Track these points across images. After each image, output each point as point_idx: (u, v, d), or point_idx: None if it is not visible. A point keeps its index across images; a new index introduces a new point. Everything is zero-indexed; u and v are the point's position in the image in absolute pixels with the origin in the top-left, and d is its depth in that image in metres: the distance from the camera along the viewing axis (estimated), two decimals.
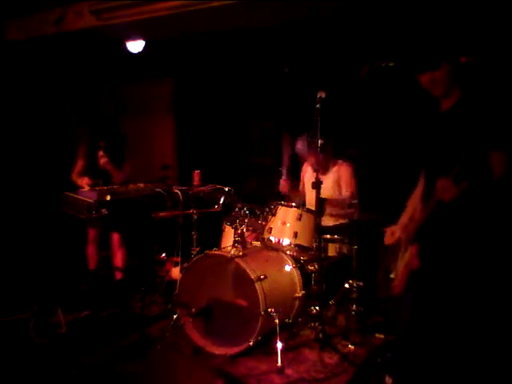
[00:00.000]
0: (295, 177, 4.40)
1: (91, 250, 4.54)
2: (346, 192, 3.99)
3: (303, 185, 4.36)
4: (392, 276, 2.55)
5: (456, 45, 2.31)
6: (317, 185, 3.39)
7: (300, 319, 3.61)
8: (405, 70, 2.43)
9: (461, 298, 2.19)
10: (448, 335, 2.23)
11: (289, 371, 3.09)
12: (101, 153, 4.34)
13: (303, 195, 4.32)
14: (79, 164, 4.49)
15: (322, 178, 3.92)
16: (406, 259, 2.38)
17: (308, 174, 4.24)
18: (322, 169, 3.95)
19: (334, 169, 4.09)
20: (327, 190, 4.00)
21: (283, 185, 4.16)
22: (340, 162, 4.12)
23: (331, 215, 3.90)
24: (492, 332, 2.28)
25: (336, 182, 4.06)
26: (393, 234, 2.51)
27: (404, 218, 2.53)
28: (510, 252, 2.25)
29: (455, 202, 2.10)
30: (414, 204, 2.51)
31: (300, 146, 4.11)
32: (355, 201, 3.76)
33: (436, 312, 2.24)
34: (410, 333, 2.36)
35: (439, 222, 2.20)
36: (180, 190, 3.99)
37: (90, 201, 3.63)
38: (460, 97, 2.25)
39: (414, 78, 2.30)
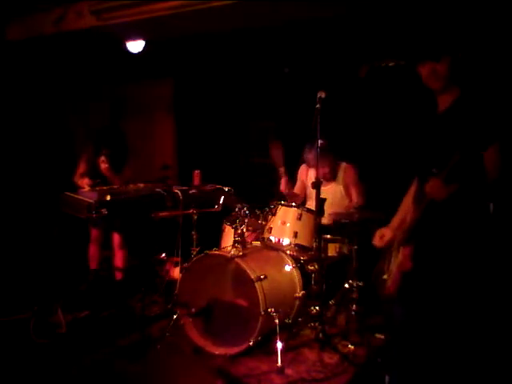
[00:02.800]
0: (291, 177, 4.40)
1: (93, 250, 4.53)
2: (356, 199, 3.99)
3: (302, 185, 4.34)
4: (385, 277, 2.53)
5: (459, 40, 2.30)
6: (317, 185, 3.39)
7: (300, 319, 3.61)
8: (407, 61, 2.41)
9: (455, 300, 2.18)
10: (443, 337, 2.22)
11: (289, 371, 3.09)
12: (102, 158, 4.35)
13: (301, 196, 4.31)
14: (81, 167, 4.48)
15: (328, 186, 3.94)
16: (398, 261, 2.36)
17: (309, 176, 4.21)
18: (330, 178, 3.97)
19: (339, 173, 4.09)
20: (336, 199, 4.02)
21: (284, 184, 4.15)
22: (343, 164, 4.11)
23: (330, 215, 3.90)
24: (486, 332, 2.28)
25: (344, 187, 4.07)
26: (383, 236, 2.47)
27: (396, 220, 2.50)
28: (503, 251, 2.25)
29: (447, 203, 2.09)
30: (406, 205, 2.49)
31: (309, 156, 4.09)
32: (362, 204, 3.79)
33: (430, 313, 2.23)
34: (404, 336, 2.35)
35: (431, 223, 2.19)
36: (180, 190, 3.99)
37: (90, 201, 3.63)
38: (458, 96, 2.24)
39: (414, 74, 2.29)
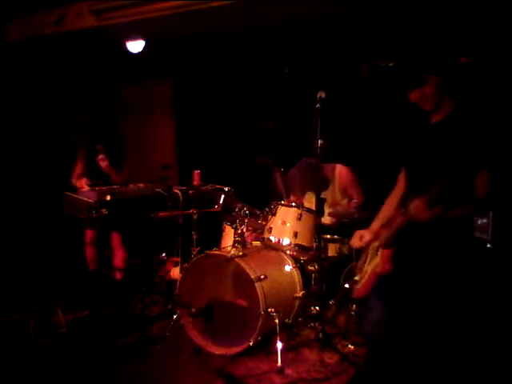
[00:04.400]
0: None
1: (90, 252, 4.48)
2: (355, 198, 3.99)
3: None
4: (356, 278, 2.52)
5: (446, 54, 2.28)
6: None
7: (300, 319, 3.61)
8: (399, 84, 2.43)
9: (438, 301, 2.17)
10: (424, 336, 2.21)
11: (289, 371, 3.09)
12: (101, 156, 4.26)
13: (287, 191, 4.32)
14: (78, 167, 4.42)
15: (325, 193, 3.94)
16: (374, 263, 2.35)
17: None
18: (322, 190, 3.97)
19: (334, 175, 4.07)
20: (331, 196, 4.02)
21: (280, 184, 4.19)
22: (338, 166, 4.10)
23: (330, 215, 3.90)
24: (471, 332, 2.27)
25: (341, 188, 4.06)
26: (361, 237, 2.48)
27: (376, 223, 2.49)
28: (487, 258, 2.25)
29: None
30: (387, 209, 2.49)
31: (292, 177, 4.11)
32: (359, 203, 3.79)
33: (413, 315, 2.21)
34: (383, 336, 2.32)
35: (417, 229, 2.18)
36: (180, 190, 3.98)
37: (90, 201, 3.63)
38: (452, 109, 2.22)
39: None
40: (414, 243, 2.24)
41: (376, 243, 2.40)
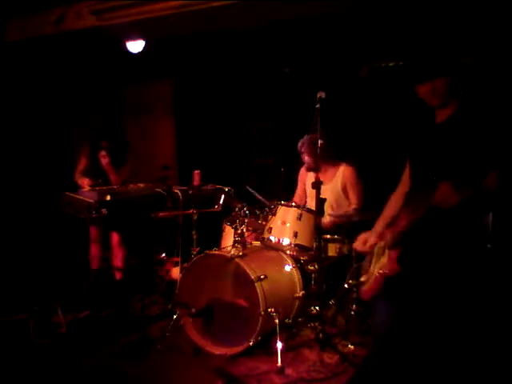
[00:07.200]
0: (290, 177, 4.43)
1: (94, 250, 4.51)
2: (353, 202, 4.00)
3: (302, 188, 4.36)
4: (363, 279, 2.51)
5: (457, 51, 2.27)
6: (317, 185, 3.38)
7: (300, 319, 3.61)
8: (406, 77, 2.39)
9: (450, 302, 2.15)
10: (434, 338, 2.19)
11: (289, 371, 3.08)
12: (103, 152, 4.33)
13: (303, 198, 4.33)
14: (82, 163, 4.47)
15: (326, 186, 3.93)
16: (381, 264, 2.32)
17: (309, 176, 4.23)
18: (316, 169, 3.96)
19: (337, 173, 4.09)
20: (335, 199, 4.02)
21: None
22: (343, 164, 4.11)
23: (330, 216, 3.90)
24: (480, 334, 2.25)
25: (343, 188, 4.06)
26: (366, 241, 2.44)
27: (379, 225, 2.46)
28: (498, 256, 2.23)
29: (447, 210, 2.06)
30: (391, 209, 2.46)
31: (301, 144, 4.11)
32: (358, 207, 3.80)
33: (421, 315, 2.19)
34: (391, 337, 2.29)
35: (427, 228, 2.16)
36: (180, 190, 3.99)
37: (90, 201, 3.63)
38: (457, 108, 2.20)
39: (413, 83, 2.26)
40: (422, 243, 2.21)
41: (382, 244, 2.39)
